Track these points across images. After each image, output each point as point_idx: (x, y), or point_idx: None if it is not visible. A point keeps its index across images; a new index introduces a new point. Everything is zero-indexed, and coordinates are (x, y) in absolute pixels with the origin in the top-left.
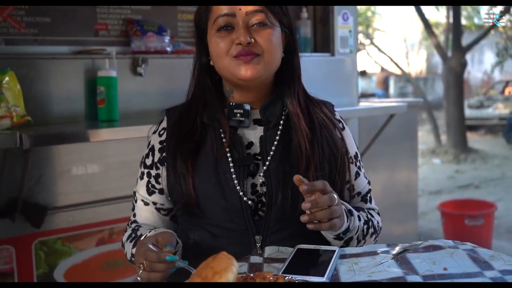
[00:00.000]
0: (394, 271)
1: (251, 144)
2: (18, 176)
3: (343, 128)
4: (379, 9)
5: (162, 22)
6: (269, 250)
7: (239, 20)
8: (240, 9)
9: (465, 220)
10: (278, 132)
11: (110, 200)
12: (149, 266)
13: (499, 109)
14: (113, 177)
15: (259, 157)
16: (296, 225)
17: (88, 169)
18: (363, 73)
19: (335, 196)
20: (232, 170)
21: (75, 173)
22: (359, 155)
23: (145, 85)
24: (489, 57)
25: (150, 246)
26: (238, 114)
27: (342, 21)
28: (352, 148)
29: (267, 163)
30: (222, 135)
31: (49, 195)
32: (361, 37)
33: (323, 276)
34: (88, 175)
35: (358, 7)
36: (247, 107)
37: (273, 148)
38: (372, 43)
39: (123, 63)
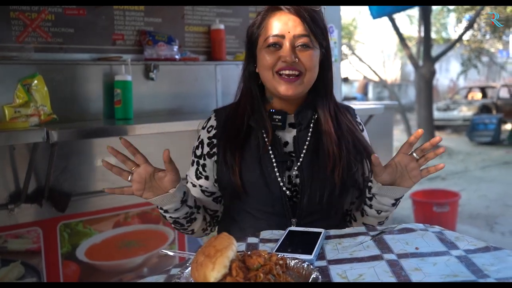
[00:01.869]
0: (372, 250)
1: (286, 143)
2: (45, 167)
3: (362, 130)
4: (360, 23)
5: (171, 33)
6: (264, 233)
7: (287, 41)
8: (289, 32)
9: (433, 207)
10: (309, 134)
11: None
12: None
13: (463, 112)
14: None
15: (293, 154)
16: (323, 210)
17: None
18: (346, 80)
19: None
20: (274, 164)
21: (95, 164)
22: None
23: (156, 88)
24: (454, 66)
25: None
26: (277, 119)
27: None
28: (370, 148)
29: (300, 159)
30: (264, 135)
31: (72, 184)
32: (344, 48)
33: (310, 254)
34: None
35: (342, 21)
36: (285, 114)
37: (305, 147)
38: (353, 53)
39: (137, 68)
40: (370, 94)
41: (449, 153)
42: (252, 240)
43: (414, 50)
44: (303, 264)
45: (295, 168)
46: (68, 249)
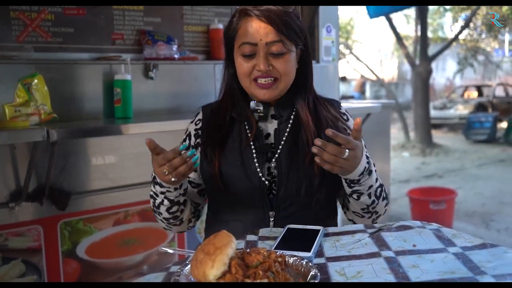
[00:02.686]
0: (370, 247)
1: (268, 135)
2: (46, 166)
3: (347, 120)
4: (357, 23)
5: (170, 33)
6: (263, 231)
7: (260, 49)
8: (261, 40)
9: (430, 205)
10: (289, 125)
11: (125, 187)
12: (170, 166)
13: (460, 110)
14: (128, 167)
15: (274, 146)
16: (302, 202)
17: (106, 160)
18: (344, 79)
19: (346, 152)
20: (254, 155)
21: (95, 163)
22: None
23: (156, 87)
24: (451, 65)
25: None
26: (259, 110)
27: (326, 33)
28: None
29: (278, 151)
30: (246, 127)
31: (72, 182)
32: (342, 47)
33: (309, 251)
34: (106, 165)
35: (340, 21)
36: (267, 105)
37: (284, 139)
38: (351, 52)
39: (136, 68)
40: (368, 93)
41: (446, 151)
42: (251, 237)
43: (411, 49)
44: (301, 261)
45: (273, 160)
46: (68, 247)
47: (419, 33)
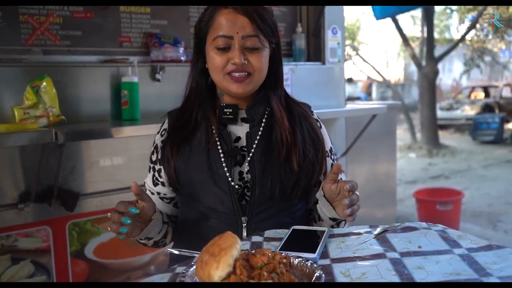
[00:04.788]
0: (375, 249)
1: (238, 138)
2: (54, 167)
3: (320, 127)
4: (363, 24)
5: (177, 35)
6: (268, 232)
7: (235, 42)
8: (237, 33)
9: (437, 206)
10: (261, 128)
11: None
12: (112, 216)
13: (466, 111)
14: (135, 168)
15: (246, 149)
16: (275, 207)
17: (114, 161)
18: (350, 80)
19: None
20: (222, 159)
21: (103, 164)
22: (333, 149)
23: (163, 89)
24: (457, 66)
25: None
26: (228, 113)
27: (332, 34)
28: (328, 143)
29: (251, 154)
30: (213, 130)
31: (80, 184)
32: (348, 48)
33: (314, 252)
34: (114, 166)
35: (346, 22)
36: (235, 107)
37: (256, 141)
38: (357, 54)
39: (143, 70)
40: (374, 94)
41: (452, 152)
42: (256, 239)
43: (417, 50)
44: (306, 263)
45: (246, 163)
46: (77, 248)
47: (425, 34)
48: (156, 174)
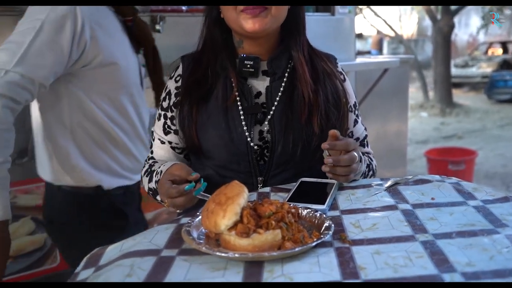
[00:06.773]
0: (387, 200)
1: (259, 93)
2: None
3: (344, 80)
4: None
5: None
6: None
7: None
8: None
9: (449, 165)
10: (283, 84)
11: None
12: (170, 203)
13: (483, 68)
14: None
15: (265, 106)
16: (295, 170)
17: None
18: (359, 36)
19: (356, 155)
20: (242, 117)
21: None
22: (357, 104)
23: (163, 41)
24: (475, 21)
25: (169, 184)
26: (248, 65)
27: None
28: (352, 98)
29: (271, 112)
30: (232, 84)
31: None
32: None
33: (323, 204)
34: None
35: None
36: (257, 59)
37: (277, 98)
38: (368, 7)
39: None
40: (385, 50)
41: (466, 111)
42: (263, 189)
43: None
44: (315, 213)
45: (266, 122)
46: None
47: None
48: (168, 121)
